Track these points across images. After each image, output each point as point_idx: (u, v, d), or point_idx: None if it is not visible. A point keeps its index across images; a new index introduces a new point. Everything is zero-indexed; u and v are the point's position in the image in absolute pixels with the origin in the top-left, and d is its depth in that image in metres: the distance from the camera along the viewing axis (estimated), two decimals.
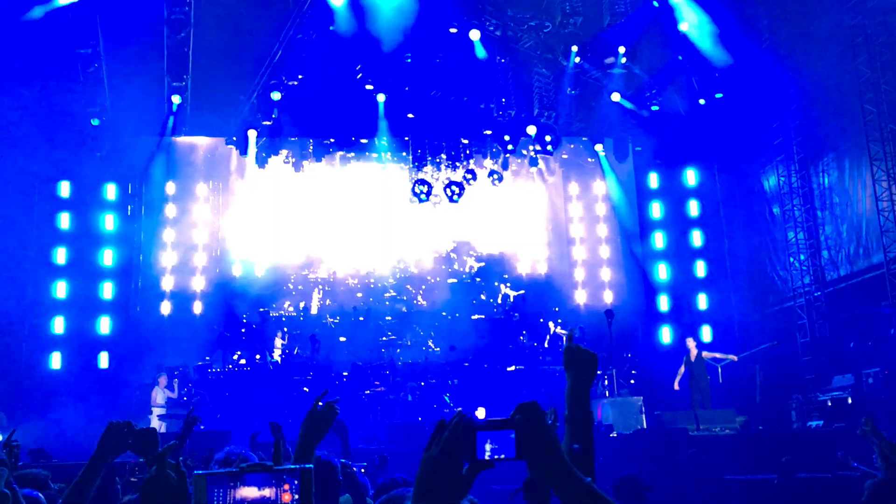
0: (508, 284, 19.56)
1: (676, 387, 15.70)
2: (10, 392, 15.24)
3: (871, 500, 5.27)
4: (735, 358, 16.01)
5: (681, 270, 19.36)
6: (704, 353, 15.84)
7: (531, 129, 18.64)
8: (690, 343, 15.85)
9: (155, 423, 14.69)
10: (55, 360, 16.65)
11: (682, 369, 15.74)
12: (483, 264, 19.91)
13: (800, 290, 17.15)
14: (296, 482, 1.73)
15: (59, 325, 16.83)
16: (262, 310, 17.91)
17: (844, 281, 16.20)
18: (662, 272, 19.55)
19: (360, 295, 18.74)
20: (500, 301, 19.22)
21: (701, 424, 13.48)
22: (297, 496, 1.70)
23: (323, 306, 18.63)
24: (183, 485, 2.09)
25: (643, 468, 11.17)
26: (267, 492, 1.71)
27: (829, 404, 14.26)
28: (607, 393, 15.82)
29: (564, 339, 2.27)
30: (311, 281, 19.01)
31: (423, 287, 19.22)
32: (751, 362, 17.05)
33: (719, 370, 15.99)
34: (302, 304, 18.60)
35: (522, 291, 19.21)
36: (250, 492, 1.73)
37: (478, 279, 19.67)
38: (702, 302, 19.07)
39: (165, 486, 2.09)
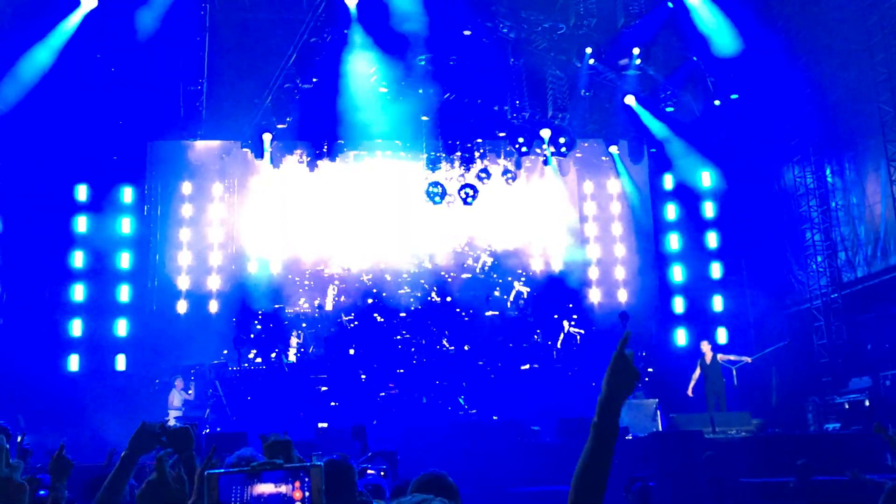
0: (523, 279, 19.55)
1: (690, 393, 15.63)
2: (28, 395, 15.37)
3: (888, 502, 5.23)
4: (749, 360, 15.95)
5: (696, 272, 19.25)
6: (719, 356, 15.78)
7: (545, 133, 18.63)
8: (705, 346, 15.80)
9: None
10: (73, 363, 16.81)
11: (697, 373, 15.68)
12: (495, 261, 19.90)
13: (816, 291, 17.03)
14: (307, 480, 1.75)
15: (76, 328, 16.98)
16: (277, 306, 17.98)
17: (862, 282, 16.08)
18: (677, 274, 19.46)
19: (374, 290, 18.77)
20: (512, 298, 19.22)
21: (717, 427, 13.43)
22: (307, 493, 1.73)
23: (338, 303, 18.70)
24: (182, 490, 2.13)
25: (659, 471, 11.15)
26: (283, 488, 1.75)
27: (847, 407, 14.18)
28: None
29: (620, 342, 2.24)
30: (326, 277, 19.07)
31: (438, 283, 19.24)
32: (767, 365, 16.96)
33: (734, 372, 15.91)
34: (317, 301, 18.67)
35: (528, 289, 19.23)
36: (266, 488, 1.77)
37: (494, 275, 19.66)
38: (717, 304, 18.96)
39: (165, 491, 2.14)
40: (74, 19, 15.49)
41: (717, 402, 15.25)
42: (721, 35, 16.59)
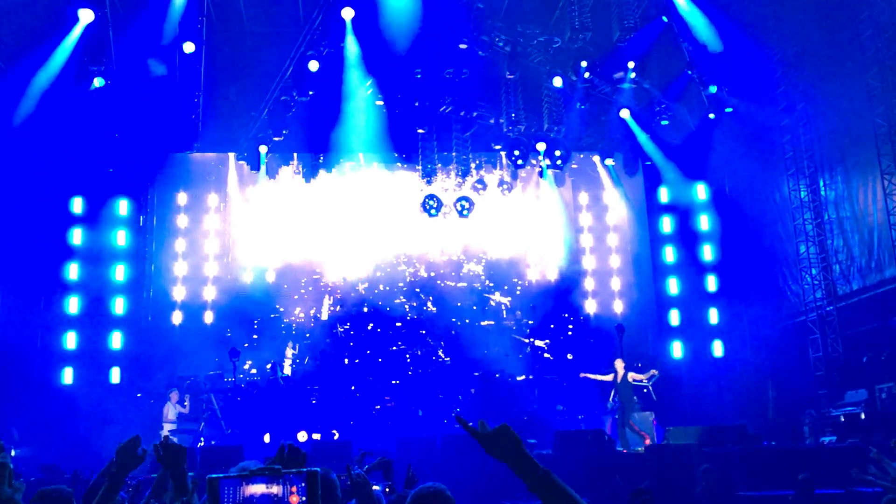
0: (506, 287, 19.63)
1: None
2: (22, 407, 15.30)
3: None
4: (656, 372, 15.92)
5: (692, 285, 19.27)
6: (630, 375, 15.63)
7: (541, 146, 18.72)
8: (619, 364, 15.58)
9: None
10: (67, 376, 16.73)
11: (606, 377, 15.70)
12: (488, 270, 19.94)
13: (812, 304, 17.05)
14: (303, 485, 1.76)
15: (71, 341, 16.92)
16: (273, 316, 17.98)
17: (857, 295, 16.09)
18: (673, 286, 19.48)
19: (370, 300, 18.74)
20: (493, 305, 19.27)
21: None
22: (304, 498, 1.74)
23: (333, 313, 18.68)
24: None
25: (655, 484, 11.12)
26: (275, 489, 1.77)
27: (843, 420, 14.15)
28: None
29: (479, 426, 2.28)
30: (321, 287, 19.07)
31: (433, 293, 19.24)
32: (763, 378, 16.97)
33: (651, 389, 15.81)
34: (313, 311, 18.65)
35: (509, 299, 19.35)
36: (258, 488, 1.79)
37: (489, 283, 19.68)
38: (713, 316, 18.97)
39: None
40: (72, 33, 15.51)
41: (626, 417, 15.16)
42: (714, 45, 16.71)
